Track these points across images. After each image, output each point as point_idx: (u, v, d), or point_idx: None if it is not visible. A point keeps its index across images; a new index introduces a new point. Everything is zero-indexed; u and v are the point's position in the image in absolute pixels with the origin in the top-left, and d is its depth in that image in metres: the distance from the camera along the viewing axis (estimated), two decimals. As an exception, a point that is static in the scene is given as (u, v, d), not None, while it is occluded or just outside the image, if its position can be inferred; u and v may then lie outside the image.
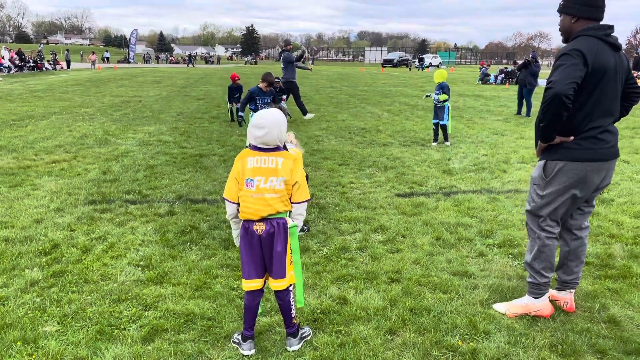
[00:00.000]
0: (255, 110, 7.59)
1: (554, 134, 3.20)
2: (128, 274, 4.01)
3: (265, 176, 2.89)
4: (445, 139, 9.74)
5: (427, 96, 11.01)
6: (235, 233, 3.11)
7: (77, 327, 3.26)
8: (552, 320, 3.42)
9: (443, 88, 9.49)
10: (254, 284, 3.02)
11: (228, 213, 3.06)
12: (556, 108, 3.02)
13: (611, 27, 3.16)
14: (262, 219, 2.91)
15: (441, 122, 9.64)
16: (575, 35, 3.19)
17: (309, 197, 3.06)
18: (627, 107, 3.45)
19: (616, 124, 3.40)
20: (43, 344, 3.07)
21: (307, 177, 5.49)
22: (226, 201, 3.02)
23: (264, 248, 2.96)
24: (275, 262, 2.96)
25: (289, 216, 3.04)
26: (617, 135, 3.32)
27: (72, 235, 4.79)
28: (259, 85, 7.77)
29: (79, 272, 4.01)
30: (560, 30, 3.37)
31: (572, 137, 3.21)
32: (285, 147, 3.14)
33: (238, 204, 2.99)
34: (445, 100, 9.45)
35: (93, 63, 45.02)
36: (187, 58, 62.44)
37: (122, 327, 3.27)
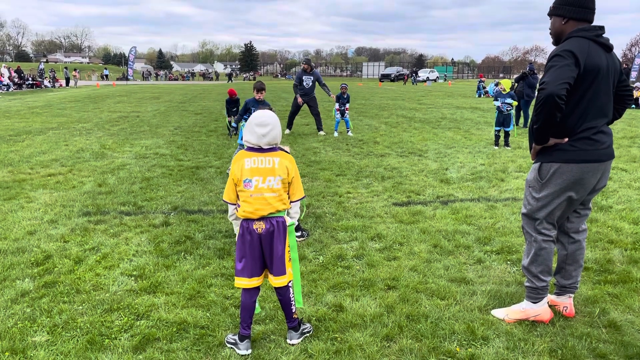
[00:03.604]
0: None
1: (548, 136, 3.18)
2: (121, 284, 3.95)
3: (263, 176, 2.94)
4: (507, 144, 10.58)
5: (495, 101, 10.73)
6: (237, 230, 3.13)
7: (67, 337, 3.20)
8: (551, 325, 3.36)
9: (512, 96, 10.42)
10: (252, 282, 3.04)
11: (229, 213, 3.15)
12: (549, 109, 3.01)
13: (602, 28, 3.17)
14: (262, 218, 2.96)
15: (507, 129, 10.45)
16: (566, 37, 3.18)
17: (304, 195, 3.12)
18: (620, 109, 3.43)
19: (614, 134, 3.38)
20: (32, 354, 3.00)
21: None
22: (227, 203, 3.09)
23: (264, 246, 3.01)
24: (275, 260, 3.01)
25: (287, 215, 3.09)
26: (612, 136, 3.30)
27: (65, 247, 4.73)
28: (254, 97, 7.75)
29: (70, 283, 3.95)
30: (550, 32, 3.37)
31: (566, 139, 3.19)
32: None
33: (237, 205, 3.04)
34: (512, 107, 10.46)
35: (71, 79, 43.02)
36: (228, 75, 69.27)
37: (113, 336, 3.21)
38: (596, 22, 3.22)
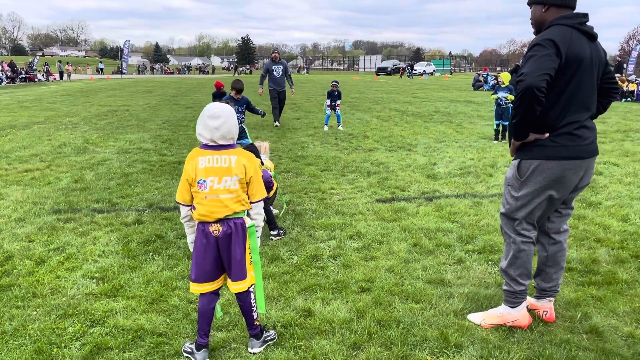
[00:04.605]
0: None
1: (528, 131, 2.98)
2: (80, 287, 3.75)
3: (219, 176, 2.73)
4: (504, 137, 10.30)
5: (494, 93, 10.58)
6: (190, 238, 2.94)
7: (14, 345, 3.00)
8: (529, 331, 3.17)
9: (511, 90, 10.03)
10: (208, 286, 2.85)
11: (182, 215, 2.92)
12: (528, 102, 2.81)
13: (585, 15, 2.96)
14: (218, 220, 2.75)
15: (504, 122, 10.11)
16: (548, 25, 2.98)
17: (266, 195, 2.90)
18: (605, 103, 3.24)
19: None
20: (-27, 365, 2.81)
21: (276, 189, 5.26)
22: (180, 204, 2.87)
23: (221, 250, 2.81)
24: (234, 264, 2.80)
25: (247, 215, 2.90)
26: (595, 131, 3.11)
27: (30, 247, 4.53)
28: (230, 94, 7.67)
29: (28, 286, 3.75)
30: (531, 22, 3.16)
31: (547, 134, 2.99)
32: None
33: (191, 206, 2.81)
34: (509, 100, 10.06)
35: (62, 74, 42.47)
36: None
37: (63, 345, 3.01)
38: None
